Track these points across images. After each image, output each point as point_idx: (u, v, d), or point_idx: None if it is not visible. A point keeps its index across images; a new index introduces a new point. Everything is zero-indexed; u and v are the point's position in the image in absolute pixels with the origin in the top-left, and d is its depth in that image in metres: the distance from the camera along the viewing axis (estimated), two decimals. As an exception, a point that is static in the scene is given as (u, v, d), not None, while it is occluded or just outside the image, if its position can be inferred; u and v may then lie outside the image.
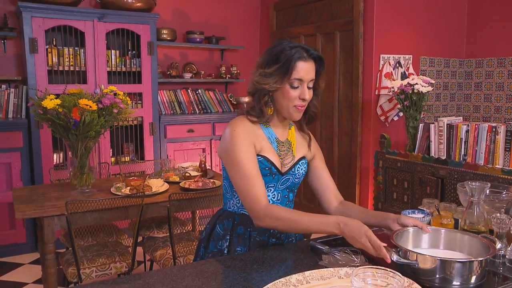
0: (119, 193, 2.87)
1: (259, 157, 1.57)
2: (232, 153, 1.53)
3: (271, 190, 1.63)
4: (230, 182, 1.62)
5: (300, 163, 1.68)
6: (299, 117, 1.61)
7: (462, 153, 2.87)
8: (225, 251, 1.62)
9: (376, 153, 3.33)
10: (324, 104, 4.39)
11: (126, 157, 4.47)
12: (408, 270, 1.27)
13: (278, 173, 1.61)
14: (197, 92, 4.92)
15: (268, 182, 1.60)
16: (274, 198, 1.64)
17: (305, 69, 1.53)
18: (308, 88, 1.56)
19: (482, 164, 2.72)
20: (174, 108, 4.76)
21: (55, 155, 4.08)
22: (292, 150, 1.68)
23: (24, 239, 3.92)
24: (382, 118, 3.91)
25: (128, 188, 2.94)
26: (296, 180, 1.68)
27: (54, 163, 4.03)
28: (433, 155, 3.01)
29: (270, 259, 1.44)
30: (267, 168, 1.58)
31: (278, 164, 1.62)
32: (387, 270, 1.16)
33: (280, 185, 1.64)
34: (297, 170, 1.67)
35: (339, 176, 4.25)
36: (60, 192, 2.96)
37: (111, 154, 4.32)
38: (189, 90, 4.89)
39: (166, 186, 3.01)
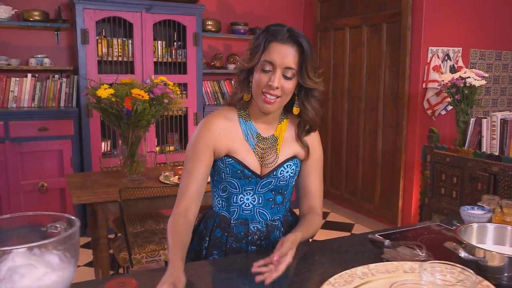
0: (168, 182, 2.94)
1: (229, 159, 1.44)
2: (188, 148, 1.47)
3: (250, 193, 1.48)
4: (215, 181, 1.53)
5: (285, 165, 1.49)
6: (268, 110, 1.41)
7: (517, 149, 2.79)
8: (203, 252, 1.53)
9: (424, 148, 3.27)
10: (369, 97, 4.34)
11: (171, 147, 4.56)
12: (473, 267, 1.26)
13: (254, 175, 1.46)
14: (232, 81, 4.95)
15: (245, 185, 1.47)
16: (254, 201, 1.50)
17: (279, 52, 1.36)
18: (285, 77, 1.37)
19: (539, 161, 2.64)
20: (217, 99, 4.81)
21: (103, 144, 4.20)
22: (277, 149, 1.49)
23: (74, 223, 4.06)
24: (429, 112, 3.84)
25: (177, 177, 3.00)
26: (281, 183, 1.50)
27: (102, 151, 4.16)
28: (484, 150, 2.94)
29: (330, 251, 1.45)
30: (239, 171, 1.45)
31: (253, 166, 1.46)
32: (456, 266, 1.16)
33: (261, 188, 1.48)
34: (281, 174, 1.48)
35: (383, 169, 4.21)
36: (111, 179, 3.05)
37: (156, 144, 4.41)
38: (232, 81, 4.93)
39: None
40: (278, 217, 1.55)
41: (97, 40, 4.07)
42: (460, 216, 1.68)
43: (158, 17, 4.22)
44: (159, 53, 4.38)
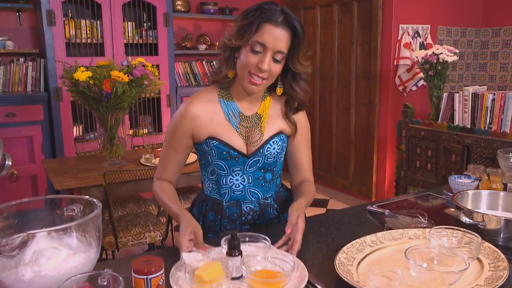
0: (149, 164, 2.91)
1: (213, 141, 1.43)
2: (167, 129, 1.49)
3: (238, 173, 1.47)
4: (203, 164, 1.52)
5: (271, 141, 1.47)
6: (253, 91, 1.38)
7: (488, 121, 2.92)
8: None
9: (400, 123, 3.38)
10: (341, 75, 4.41)
11: (144, 130, 4.49)
12: (472, 230, 1.33)
13: (240, 155, 1.45)
14: (212, 63, 4.91)
15: (232, 166, 1.46)
16: (244, 181, 1.48)
17: (272, 35, 1.31)
18: (274, 60, 1.34)
19: (509, 132, 2.77)
20: (189, 80, 4.76)
21: (74, 128, 4.09)
22: (261, 126, 1.47)
23: (48, 211, 3.97)
24: (401, 88, 3.94)
25: (157, 159, 2.98)
26: (269, 160, 1.48)
27: (74, 136, 4.05)
28: (457, 123, 3.06)
29: (334, 222, 1.50)
30: (224, 152, 1.43)
31: (239, 146, 1.44)
32: (460, 230, 1.22)
33: (249, 168, 1.47)
34: (268, 151, 1.46)
35: (356, 146, 4.31)
36: (90, 163, 2.99)
37: (129, 127, 4.33)
38: (203, 62, 4.88)
39: (194, 156, 3.05)
40: (270, 195, 1.55)
41: (64, 21, 3.92)
42: (446, 186, 1.76)
43: (126, -3, 4.11)
44: (129, 35, 4.27)
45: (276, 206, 1.56)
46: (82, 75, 2.67)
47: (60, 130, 3.93)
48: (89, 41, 4.06)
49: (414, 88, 3.96)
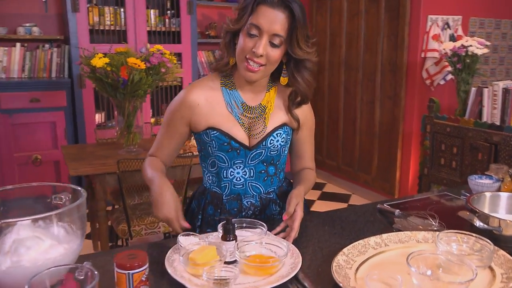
0: (166, 153, 2.89)
1: (214, 131, 1.36)
2: (166, 111, 1.45)
3: (240, 166, 1.41)
4: (203, 155, 1.47)
5: (275, 134, 1.41)
6: (250, 78, 1.31)
7: (518, 119, 2.77)
8: (197, 231, 1.46)
9: (424, 118, 3.24)
10: (366, 67, 4.28)
11: (165, 118, 4.48)
12: (487, 236, 1.24)
13: (242, 147, 1.38)
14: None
15: (233, 158, 1.40)
16: (246, 175, 1.43)
17: (267, 17, 1.24)
18: (272, 45, 1.27)
19: (540, 131, 2.62)
20: (212, 69, 4.71)
21: (97, 115, 4.12)
22: (265, 118, 1.40)
23: (70, 196, 4.02)
24: (428, 82, 3.79)
25: (174, 148, 2.95)
26: (272, 153, 1.42)
27: (97, 123, 4.08)
28: (485, 120, 2.92)
29: (340, 221, 1.43)
30: (225, 144, 1.37)
31: (240, 137, 1.38)
32: (471, 235, 1.14)
33: (251, 161, 1.41)
34: (271, 143, 1.40)
35: (380, 140, 4.18)
36: (108, 150, 3.00)
37: (151, 115, 4.34)
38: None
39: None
40: (272, 189, 1.49)
41: (88, 8, 3.93)
42: (466, 186, 1.66)
43: (150, -16, 4.09)
44: (152, 22, 4.25)
45: (278, 201, 1.50)
46: (99, 61, 2.66)
47: (83, 116, 3.96)
48: (112, 28, 4.06)
49: (442, 82, 3.81)
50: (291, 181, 1.56)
